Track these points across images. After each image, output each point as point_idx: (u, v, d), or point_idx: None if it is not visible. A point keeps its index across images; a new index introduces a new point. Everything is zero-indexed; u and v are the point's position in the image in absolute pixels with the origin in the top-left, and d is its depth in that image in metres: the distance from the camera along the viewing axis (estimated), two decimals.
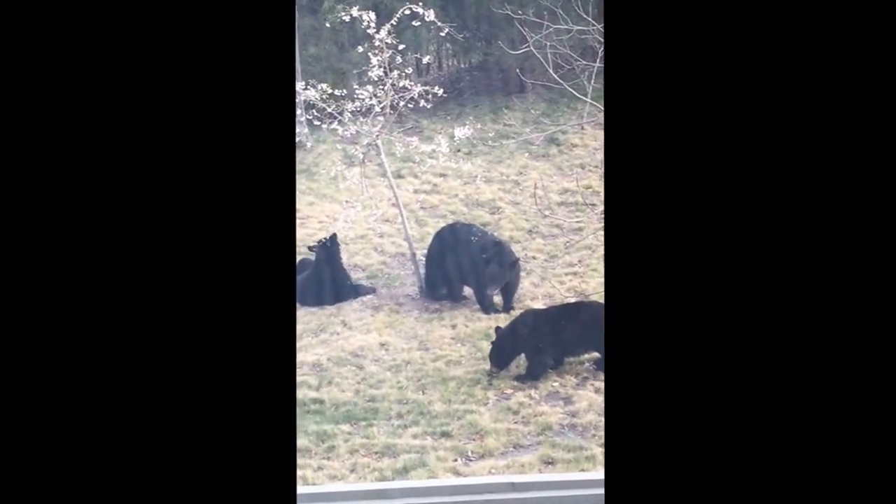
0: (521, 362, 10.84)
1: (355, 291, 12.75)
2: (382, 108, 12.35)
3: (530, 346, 10.74)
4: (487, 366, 10.83)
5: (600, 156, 16.24)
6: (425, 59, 14.52)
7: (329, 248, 12.78)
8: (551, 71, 11.55)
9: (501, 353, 10.82)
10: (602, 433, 9.41)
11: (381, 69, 12.16)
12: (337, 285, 12.60)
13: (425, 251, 13.40)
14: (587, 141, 16.90)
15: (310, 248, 13.05)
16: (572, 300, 11.71)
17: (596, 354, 10.87)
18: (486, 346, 11.06)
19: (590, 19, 11.28)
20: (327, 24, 15.64)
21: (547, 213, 13.95)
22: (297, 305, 12.71)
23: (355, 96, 12.33)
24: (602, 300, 11.06)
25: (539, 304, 12.04)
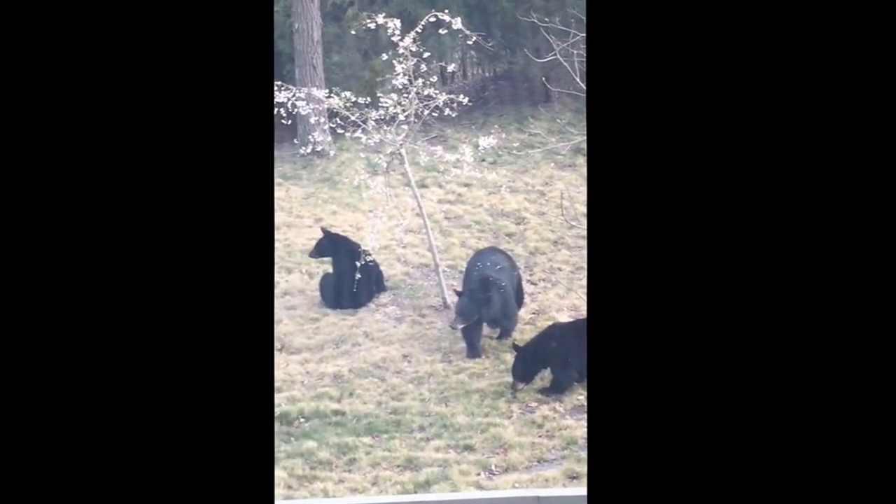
0: (545, 375, 10.73)
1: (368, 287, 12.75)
2: (406, 117, 12.26)
3: (557, 360, 10.62)
4: (511, 378, 10.72)
5: None
6: (450, 68, 14.36)
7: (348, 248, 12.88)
8: (578, 80, 11.42)
9: (524, 368, 10.71)
10: None
11: (406, 77, 12.06)
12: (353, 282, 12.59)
13: (450, 262, 13.26)
14: None
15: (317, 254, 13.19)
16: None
17: None
18: (510, 359, 10.97)
19: None
20: (352, 32, 15.60)
21: (573, 223, 13.83)
22: (324, 308, 12.77)
23: (379, 105, 12.22)
24: None
25: (564, 316, 11.91)
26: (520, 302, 12.21)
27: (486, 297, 11.42)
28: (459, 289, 11.89)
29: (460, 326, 11.41)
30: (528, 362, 10.69)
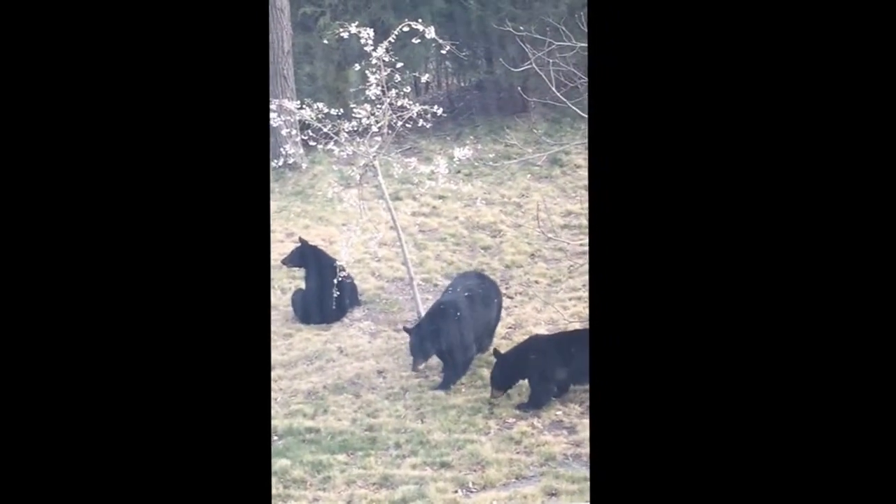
0: (523, 390, 10.61)
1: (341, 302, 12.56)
2: (380, 128, 12.08)
3: (535, 373, 10.48)
4: (488, 394, 10.61)
5: None
6: (424, 78, 14.21)
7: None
8: (554, 89, 11.25)
9: (503, 377, 10.59)
10: None
11: (379, 88, 11.90)
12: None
13: (425, 275, 13.10)
14: None
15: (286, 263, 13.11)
16: (576, 326, 11.41)
17: None
18: (486, 374, 10.86)
19: None
20: (324, 42, 15.40)
21: (550, 235, 13.71)
22: (297, 323, 12.65)
23: (352, 116, 12.04)
24: None
25: (542, 331, 11.75)
26: (486, 338, 11.70)
27: (434, 329, 11.07)
28: (434, 302, 11.68)
29: (421, 367, 11.09)
30: (506, 371, 10.56)
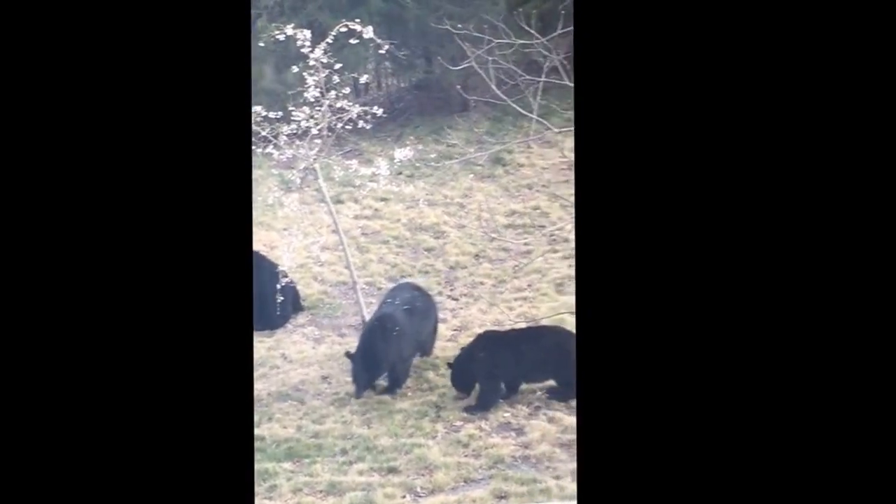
0: (471, 393, 10.56)
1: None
2: (320, 131, 11.95)
3: (483, 372, 10.41)
4: (435, 397, 10.54)
5: (548, 175, 16.06)
6: (363, 79, 14.14)
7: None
8: (494, 87, 11.13)
9: (462, 379, 10.53)
10: (556, 465, 9.26)
11: (318, 90, 11.77)
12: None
13: (369, 279, 12.98)
14: (534, 160, 16.73)
15: None
16: (521, 326, 11.33)
17: (552, 382, 10.45)
18: (433, 377, 10.81)
19: (533, 32, 10.88)
20: (260, 44, 15.20)
21: (494, 235, 13.63)
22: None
23: (291, 118, 11.90)
24: (560, 325, 10.82)
25: None
26: (427, 345, 11.57)
27: (373, 355, 10.80)
28: (377, 305, 11.53)
29: (364, 396, 10.73)
30: (464, 372, 10.51)
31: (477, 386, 10.49)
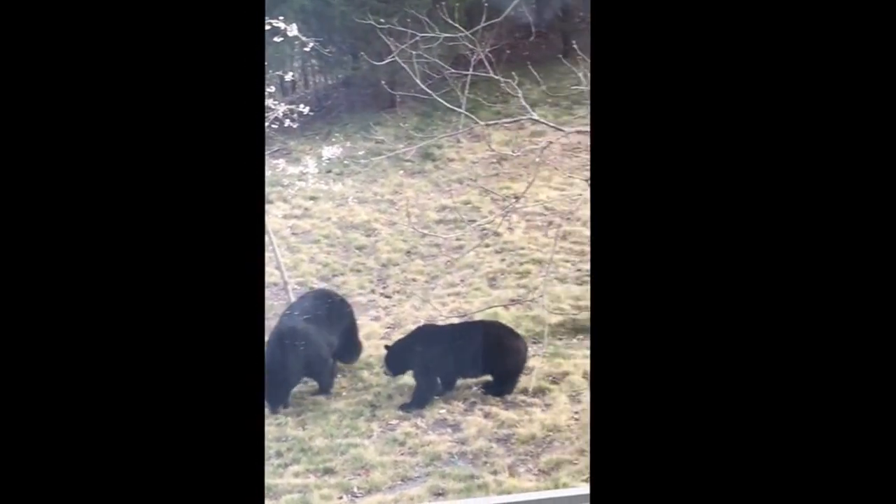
0: (405, 390, 10.49)
1: None
2: None
3: (419, 365, 10.34)
4: (370, 397, 10.45)
5: (478, 169, 16.00)
6: (289, 77, 14.00)
7: None
8: (419, 82, 11.04)
9: (397, 364, 10.49)
10: (493, 460, 9.24)
11: None
12: None
13: (300, 279, 12.92)
14: (464, 154, 16.67)
15: None
16: (455, 321, 11.26)
17: (488, 378, 10.38)
18: (367, 377, 10.75)
19: (457, 26, 10.81)
20: None
21: (425, 231, 13.55)
22: None
23: None
24: (494, 320, 10.79)
25: None
26: (354, 350, 11.36)
27: (284, 370, 10.49)
28: (269, 335, 11.02)
29: (281, 409, 10.45)
30: (398, 359, 10.47)
31: (414, 382, 10.44)
